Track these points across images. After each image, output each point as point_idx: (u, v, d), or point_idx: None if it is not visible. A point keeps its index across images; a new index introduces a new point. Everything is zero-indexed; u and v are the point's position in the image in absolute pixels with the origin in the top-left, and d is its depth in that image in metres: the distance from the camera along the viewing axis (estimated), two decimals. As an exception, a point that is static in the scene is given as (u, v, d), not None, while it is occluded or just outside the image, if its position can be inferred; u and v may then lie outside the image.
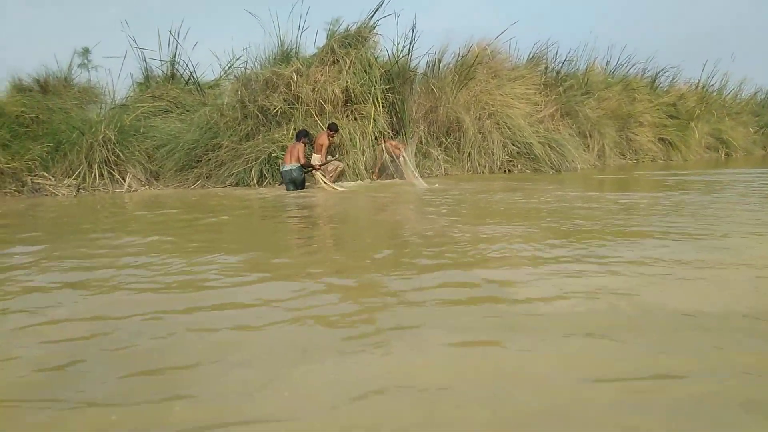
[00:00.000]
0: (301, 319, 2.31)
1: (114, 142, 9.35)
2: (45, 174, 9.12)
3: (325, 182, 8.76)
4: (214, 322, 2.30)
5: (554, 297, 2.56)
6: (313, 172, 8.89)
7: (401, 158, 9.65)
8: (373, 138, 10.20)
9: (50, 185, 9.01)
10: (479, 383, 1.70)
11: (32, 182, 9.03)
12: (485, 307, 2.43)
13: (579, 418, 1.49)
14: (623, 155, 15.93)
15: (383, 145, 9.96)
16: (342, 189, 8.56)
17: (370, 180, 9.86)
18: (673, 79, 19.30)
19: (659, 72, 18.67)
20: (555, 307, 2.43)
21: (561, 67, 15.18)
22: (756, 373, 1.77)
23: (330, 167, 9.17)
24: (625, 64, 17.57)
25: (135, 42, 11.47)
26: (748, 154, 20.47)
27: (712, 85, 20.60)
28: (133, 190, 9.23)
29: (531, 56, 14.99)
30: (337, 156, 9.57)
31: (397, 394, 1.63)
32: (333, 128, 9.10)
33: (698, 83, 20.04)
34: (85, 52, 12.94)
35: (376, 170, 10.04)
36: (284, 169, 8.46)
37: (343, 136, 9.90)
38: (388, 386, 1.68)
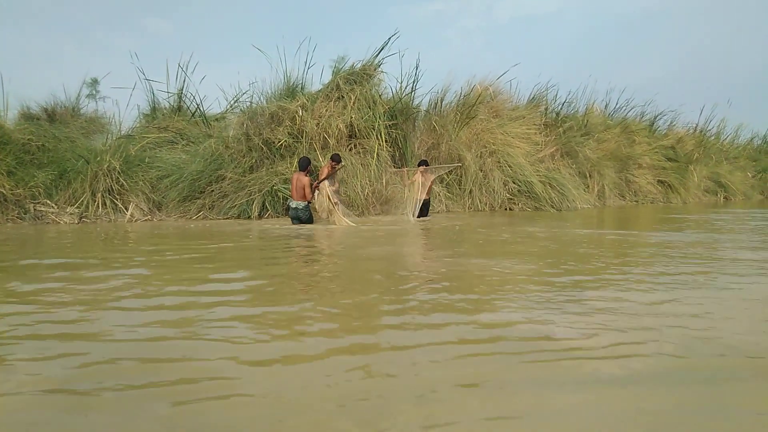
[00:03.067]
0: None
1: (118, 172, 9.41)
2: (48, 201, 9.13)
3: (334, 210, 8.50)
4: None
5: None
6: (319, 198, 8.64)
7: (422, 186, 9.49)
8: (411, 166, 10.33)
9: (52, 213, 9.02)
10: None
11: (35, 209, 9.03)
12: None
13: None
14: (623, 196, 16.05)
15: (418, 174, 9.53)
16: (351, 223, 8.35)
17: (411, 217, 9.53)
18: (672, 122, 19.67)
19: (657, 115, 19.03)
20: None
21: (561, 108, 15.47)
22: None
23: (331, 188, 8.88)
24: (624, 107, 17.91)
25: (144, 74, 11.69)
26: (746, 198, 20.62)
27: (710, 129, 20.94)
28: (135, 220, 9.24)
29: (531, 97, 15.29)
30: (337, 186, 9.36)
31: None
32: (335, 159, 8.84)
33: (696, 127, 20.36)
34: (94, 82, 13.22)
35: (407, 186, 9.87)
36: (292, 205, 8.37)
37: (347, 167, 9.97)
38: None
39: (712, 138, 21.11)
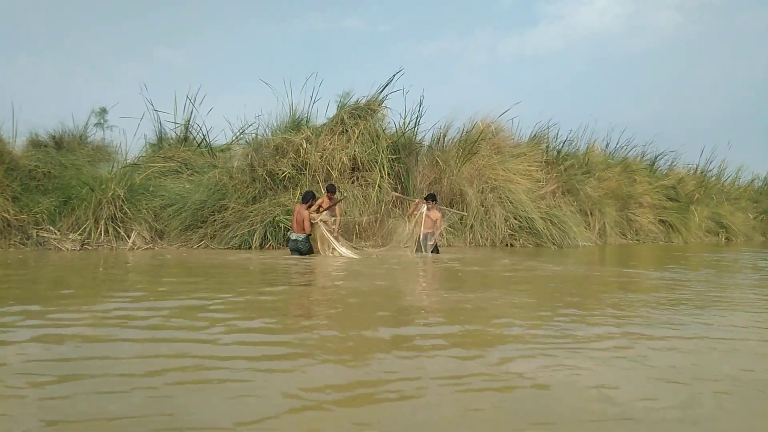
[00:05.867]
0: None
1: (122, 200, 9.48)
2: (51, 228, 9.17)
3: (333, 245, 8.43)
4: None
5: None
6: (319, 229, 8.55)
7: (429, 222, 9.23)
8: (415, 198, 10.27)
9: (55, 239, 9.04)
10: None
11: (37, 235, 9.07)
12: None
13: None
14: (624, 234, 16.02)
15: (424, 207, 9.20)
16: (351, 255, 8.33)
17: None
18: (672, 163, 19.79)
19: (658, 155, 19.16)
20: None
21: (562, 146, 15.59)
22: None
23: (330, 220, 8.79)
24: (625, 147, 18.01)
25: (152, 104, 11.91)
26: (748, 239, 20.59)
27: (711, 170, 21.07)
28: (137, 248, 9.25)
29: (533, 135, 15.44)
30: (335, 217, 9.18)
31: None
32: (330, 190, 8.89)
33: (697, 168, 20.50)
34: (102, 111, 13.46)
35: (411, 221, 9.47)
36: (292, 237, 8.44)
37: (348, 199, 10.03)
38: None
39: (713, 179, 21.22)
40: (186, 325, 3.25)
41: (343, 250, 8.43)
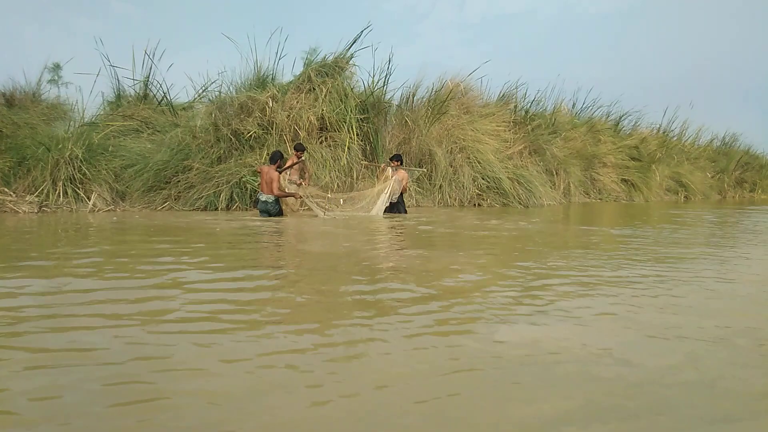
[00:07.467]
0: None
1: (81, 160, 9.12)
2: (5, 189, 8.81)
3: (316, 204, 8.42)
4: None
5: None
6: (297, 200, 8.60)
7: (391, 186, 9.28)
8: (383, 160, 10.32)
9: (11, 201, 8.71)
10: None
11: (-9, 197, 8.71)
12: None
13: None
14: (587, 194, 16.41)
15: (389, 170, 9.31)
16: (322, 215, 8.34)
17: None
18: (636, 123, 20.23)
19: (623, 116, 19.53)
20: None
21: (530, 106, 15.69)
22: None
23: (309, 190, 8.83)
24: (591, 107, 18.32)
25: (108, 60, 11.35)
26: (705, 198, 21.34)
27: (673, 130, 21.58)
28: (98, 210, 8.99)
29: (501, 95, 15.47)
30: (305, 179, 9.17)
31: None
32: (298, 149, 8.73)
33: (659, 128, 20.97)
34: (56, 67, 12.66)
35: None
36: (261, 199, 8.23)
37: (313, 158, 9.90)
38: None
39: (675, 139, 21.77)
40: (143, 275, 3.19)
41: (318, 211, 8.37)
